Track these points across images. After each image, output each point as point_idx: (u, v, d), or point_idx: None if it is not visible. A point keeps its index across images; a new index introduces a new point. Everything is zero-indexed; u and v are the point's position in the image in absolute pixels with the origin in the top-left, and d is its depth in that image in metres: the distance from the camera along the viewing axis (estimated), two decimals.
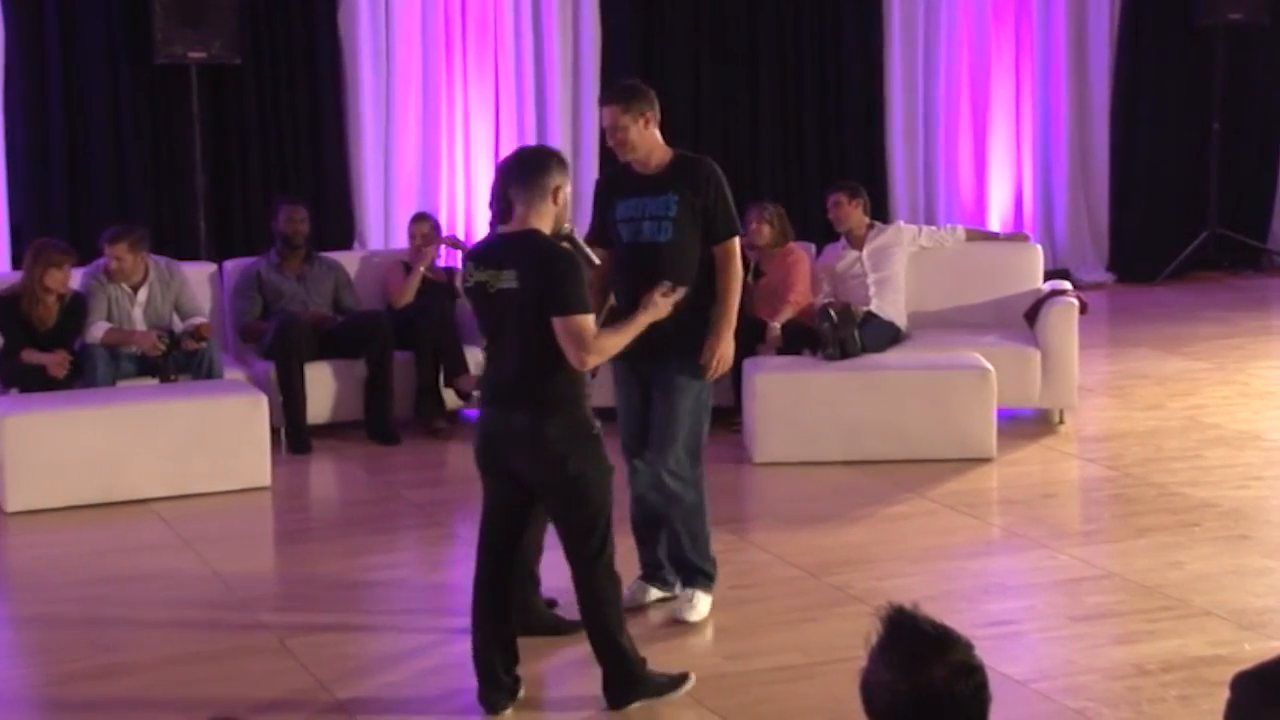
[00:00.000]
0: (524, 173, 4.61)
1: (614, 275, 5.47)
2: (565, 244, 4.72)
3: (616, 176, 5.55)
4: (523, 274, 4.48)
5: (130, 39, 9.24)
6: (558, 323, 4.45)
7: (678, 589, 5.51)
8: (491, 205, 5.27)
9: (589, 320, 4.51)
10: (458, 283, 8.38)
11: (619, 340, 4.67)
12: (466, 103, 10.22)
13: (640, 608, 5.48)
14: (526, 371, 4.54)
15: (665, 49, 10.65)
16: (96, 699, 4.91)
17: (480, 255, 4.69)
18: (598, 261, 5.17)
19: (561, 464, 4.54)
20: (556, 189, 4.59)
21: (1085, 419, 8.07)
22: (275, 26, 9.70)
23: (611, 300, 5.77)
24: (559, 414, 4.53)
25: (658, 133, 5.38)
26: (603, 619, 4.69)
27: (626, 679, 4.69)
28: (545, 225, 4.59)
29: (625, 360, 5.43)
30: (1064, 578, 5.81)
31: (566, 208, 4.76)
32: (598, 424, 4.64)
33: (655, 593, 5.56)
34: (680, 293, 4.88)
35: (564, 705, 4.96)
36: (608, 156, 9.25)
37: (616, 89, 5.46)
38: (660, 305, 4.78)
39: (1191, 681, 4.82)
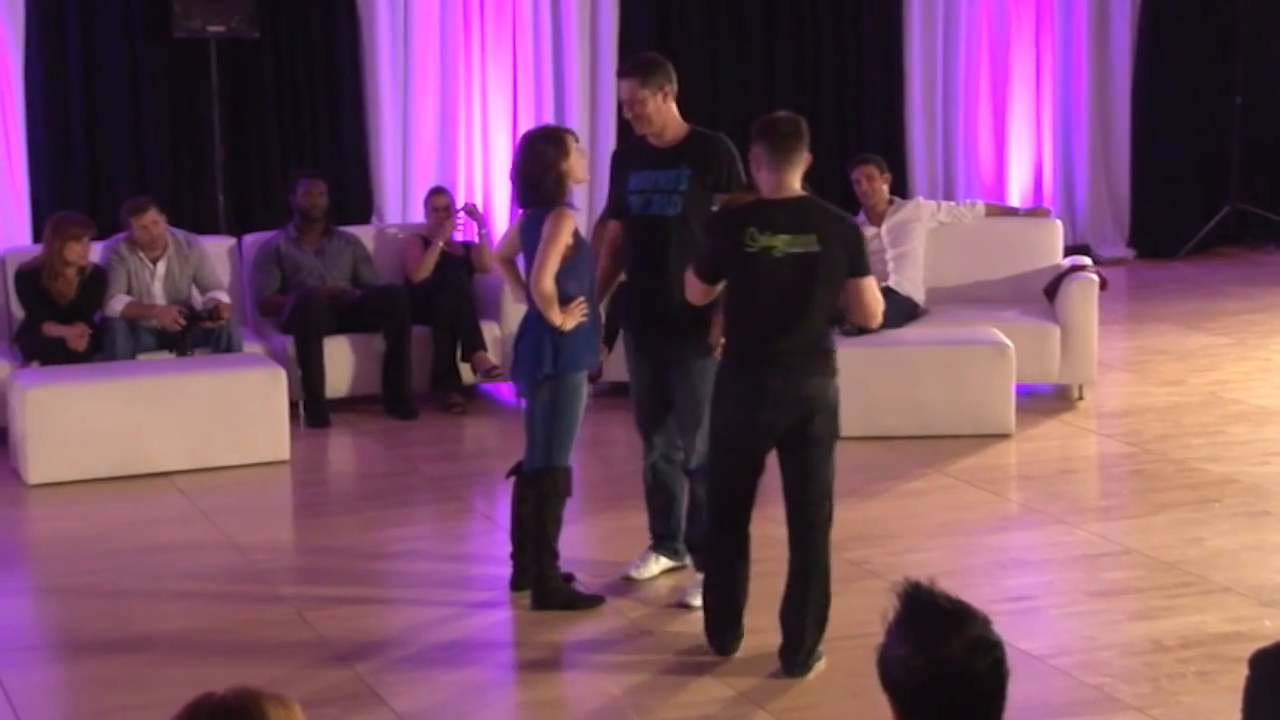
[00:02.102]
0: (785, 140, 4.63)
1: (625, 248, 5.48)
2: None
3: (632, 148, 5.55)
4: (825, 238, 4.54)
5: (149, 13, 9.23)
6: (862, 283, 4.64)
7: (687, 560, 5.53)
8: (512, 178, 5.26)
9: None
10: (473, 257, 8.39)
11: None
12: (484, 77, 10.20)
13: (650, 578, 5.50)
14: (817, 333, 4.62)
15: (683, 22, 10.61)
16: (115, 670, 4.93)
17: (764, 219, 4.60)
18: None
19: (834, 419, 4.68)
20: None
21: (1104, 394, 8.04)
22: (294, 1, 9.69)
23: (622, 275, 5.78)
24: (835, 374, 4.68)
25: (674, 107, 5.38)
26: (825, 568, 4.74)
27: (813, 648, 4.74)
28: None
29: (635, 335, 5.44)
30: (1082, 553, 5.80)
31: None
32: None
33: (665, 562, 5.58)
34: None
35: (584, 676, 4.97)
36: (625, 131, 9.24)
37: (635, 62, 5.45)
38: None
39: (1210, 658, 4.81)
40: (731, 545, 4.81)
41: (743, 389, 4.64)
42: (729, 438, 4.71)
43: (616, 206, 5.51)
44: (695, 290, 4.84)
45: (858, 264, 4.66)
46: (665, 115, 5.34)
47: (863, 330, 7.40)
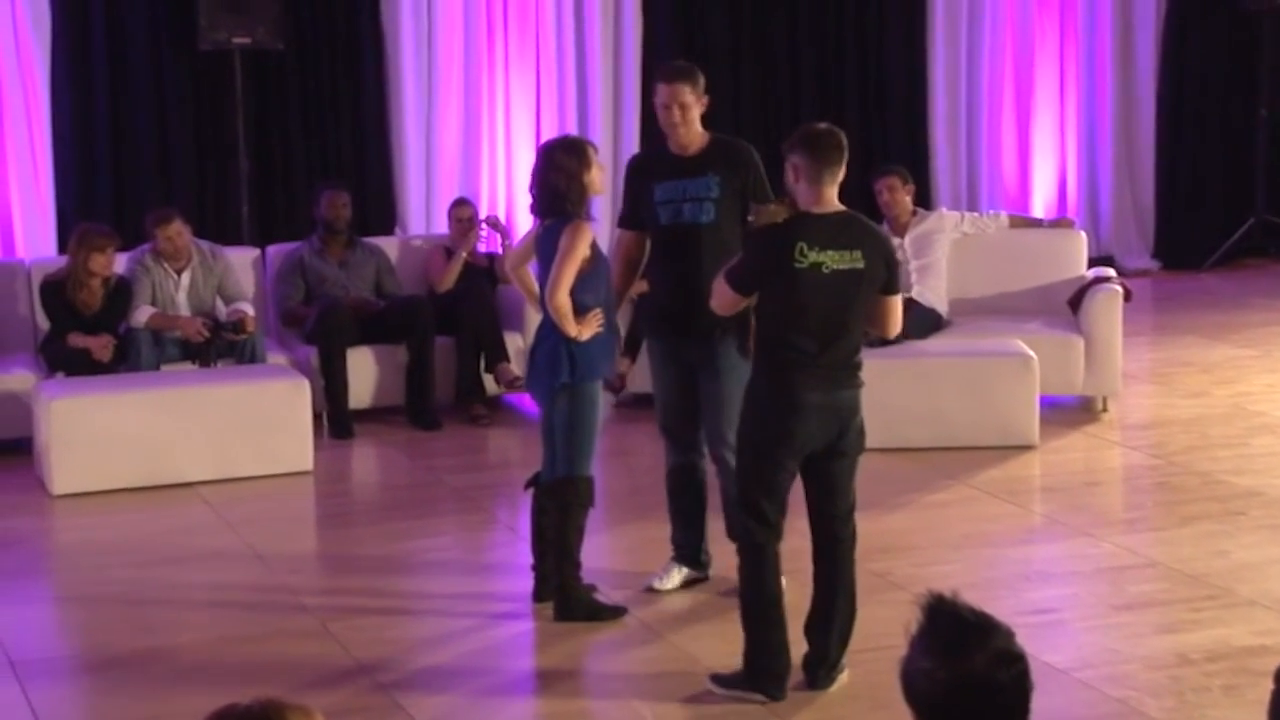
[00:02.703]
0: (827, 153, 4.63)
1: (651, 258, 5.49)
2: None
3: (651, 158, 5.56)
4: (868, 254, 4.60)
5: (175, 25, 9.28)
6: (892, 300, 4.72)
7: (710, 570, 5.53)
8: (532, 189, 5.26)
9: None
10: (496, 268, 8.40)
11: None
12: (508, 88, 10.22)
13: (673, 589, 5.51)
14: (855, 346, 4.69)
15: (706, 33, 10.62)
16: (140, 680, 4.94)
17: (813, 235, 4.58)
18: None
19: (862, 433, 4.73)
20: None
21: (1129, 406, 8.01)
22: (318, 12, 9.73)
23: (642, 285, 5.78)
24: (863, 384, 4.74)
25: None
26: (851, 582, 4.75)
27: (837, 661, 4.75)
28: None
29: (663, 341, 5.44)
30: (1107, 566, 5.78)
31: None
32: None
33: (688, 572, 5.58)
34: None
35: (606, 688, 4.97)
36: (648, 142, 9.25)
37: (678, 67, 5.48)
38: None
39: (1236, 671, 4.79)
40: (765, 574, 4.72)
41: (780, 402, 4.61)
42: (767, 453, 4.65)
43: (635, 217, 5.51)
44: (726, 301, 4.78)
45: (893, 281, 4.72)
46: (696, 123, 5.39)
47: (885, 341, 7.42)
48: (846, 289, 4.58)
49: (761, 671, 4.68)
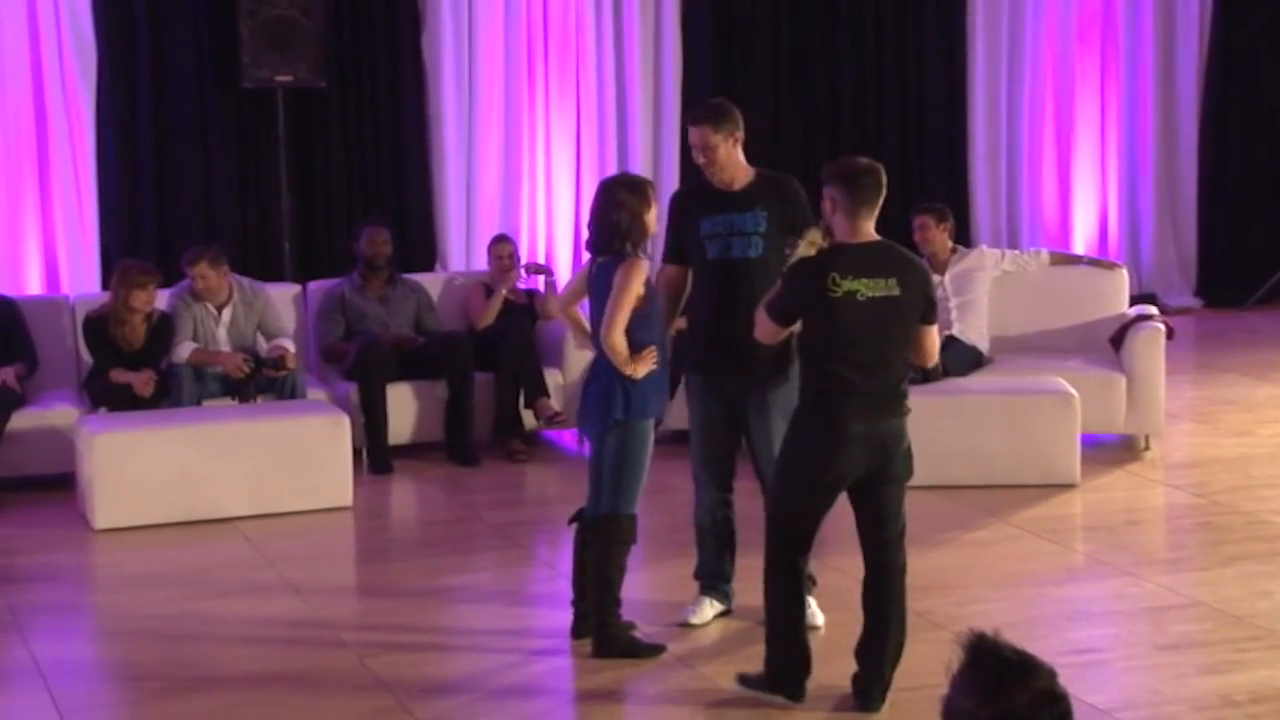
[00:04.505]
0: (865, 191, 4.70)
1: (695, 292, 5.48)
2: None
3: (697, 193, 5.55)
4: (904, 282, 4.66)
5: (218, 63, 9.37)
6: (929, 330, 4.77)
7: (734, 603, 5.55)
8: (590, 225, 5.27)
9: None
10: (536, 305, 8.43)
11: None
12: (548, 126, 10.27)
13: (706, 623, 5.51)
14: (899, 375, 4.73)
15: (745, 70, 10.65)
16: (177, 715, 4.95)
17: (846, 265, 4.66)
18: None
19: (910, 458, 4.78)
20: None
21: (1172, 445, 7.96)
22: (360, 51, 9.81)
23: (680, 323, 5.77)
24: (908, 413, 4.78)
25: (741, 152, 5.41)
26: (903, 608, 4.80)
27: (889, 684, 4.80)
28: None
29: (706, 377, 5.42)
30: (1149, 606, 5.73)
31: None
32: None
33: (717, 605, 5.58)
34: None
35: None
36: (688, 178, 9.26)
37: (706, 108, 5.49)
38: None
39: None
40: (796, 588, 4.82)
41: (824, 432, 4.66)
42: (808, 480, 4.72)
43: (678, 251, 5.51)
44: (767, 331, 4.88)
45: (930, 311, 4.77)
46: (734, 161, 5.39)
47: (926, 377, 7.41)
48: (883, 317, 4.64)
49: (783, 675, 4.81)
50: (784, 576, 4.79)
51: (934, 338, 4.84)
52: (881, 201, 4.74)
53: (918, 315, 4.73)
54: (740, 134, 5.40)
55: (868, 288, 4.62)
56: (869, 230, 4.72)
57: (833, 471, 4.66)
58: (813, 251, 4.86)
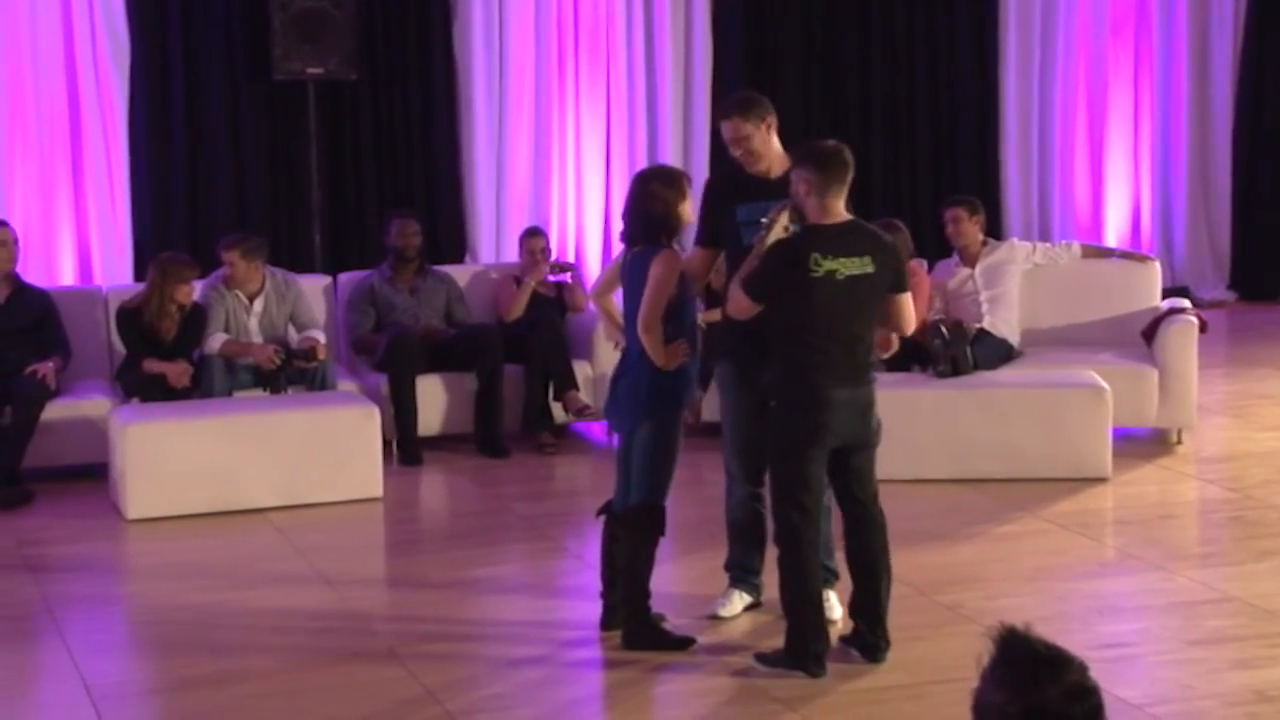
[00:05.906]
0: (842, 168, 4.93)
1: (730, 278, 5.48)
2: None
3: (734, 179, 5.50)
4: (878, 259, 4.91)
5: (250, 56, 9.41)
6: (902, 298, 5.03)
7: (763, 596, 5.55)
8: (625, 216, 5.26)
9: None
10: (566, 297, 8.44)
11: None
12: (578, 117, 10.28)
13: (735, 616, 5.52)
14: (870, 345, 5.01)
15: (777, 63, 10.63)
16: (210, 705, 4.97)
17: (824, 245, 4.88)
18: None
19: (880, 425, 5.06)
20: None
21: (1204, 439, 7.92)
22: (391, 43, 9.83)
23: (713, 315, 5.76)
24: (875, 379, 5.07)
25: (776, 139, 5.39)
26: (888, 558, 5.05)
27: (888, 633, 5.04)
28: None
29: (738, 365, 5.41)
30: (1181, 600, 5.70)
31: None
32: None
33: (746, 598, 5.59)
34: None
35: (673, 715, 4.95)
36: (719, 166, 9.24)
37: (733, 100, 5.48)
38: None
39: None
40: (810, 568, 4.98)
41: (809, 400, 4.90)
42: (799, 447, 4.93)
43: (711, 235, 5.50)
44: (742, 307, 5.08)
45: (900, 281, 5.04)
46: (770, 148, 5.38)
47: (957, 371, 7.39)
48: (860, 293, 4.91)
49: (802, 651, 4.93)
50: (794, 549, 4.94)
51: (909, 304, 5.09)
52: (850, 180, 4.95)
53: (887, 288, 4.98)
54: (773, 119, 5.38)
55: (846, 266, 4.88)
56: (840, 210, 4.95)
57: (822, 436, 4.91)
58: (783, 233, 5.03)
